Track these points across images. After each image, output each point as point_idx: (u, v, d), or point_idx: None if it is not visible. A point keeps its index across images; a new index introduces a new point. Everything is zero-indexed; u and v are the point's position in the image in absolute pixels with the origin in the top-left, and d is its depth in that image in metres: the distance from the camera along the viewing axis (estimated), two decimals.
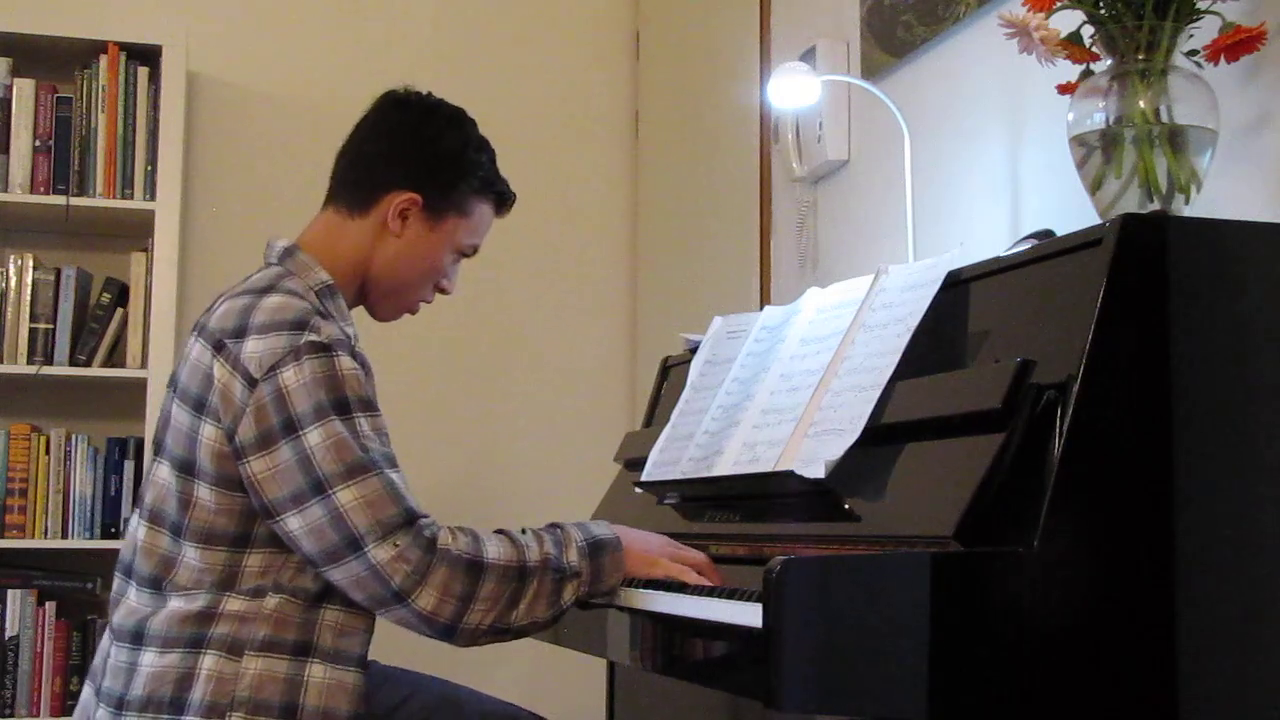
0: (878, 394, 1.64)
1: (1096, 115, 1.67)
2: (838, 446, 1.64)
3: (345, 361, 1.78)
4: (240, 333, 1.79)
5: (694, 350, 2.24)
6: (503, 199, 2.09)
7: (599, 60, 3.91)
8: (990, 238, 2.20)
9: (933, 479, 1.52)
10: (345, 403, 1.76)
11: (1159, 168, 1.62)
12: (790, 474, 1.69)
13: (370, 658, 1.87)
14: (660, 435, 2.13)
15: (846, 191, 2.76)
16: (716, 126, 3.39)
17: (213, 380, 1.78)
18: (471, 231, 2.05)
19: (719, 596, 1.56)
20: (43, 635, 3.22)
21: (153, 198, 3.31)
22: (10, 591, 3.21)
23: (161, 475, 1.85)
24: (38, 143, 3.31)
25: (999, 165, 2.26)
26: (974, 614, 1.35)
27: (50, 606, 3.23)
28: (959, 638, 1.34)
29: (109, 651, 1.85)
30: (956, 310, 1.67)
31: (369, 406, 1.79)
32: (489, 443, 3.74)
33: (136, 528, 1.87)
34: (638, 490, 2.15)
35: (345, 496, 1.72)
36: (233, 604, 1.77)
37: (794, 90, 2.40)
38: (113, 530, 3.25)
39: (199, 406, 1.80)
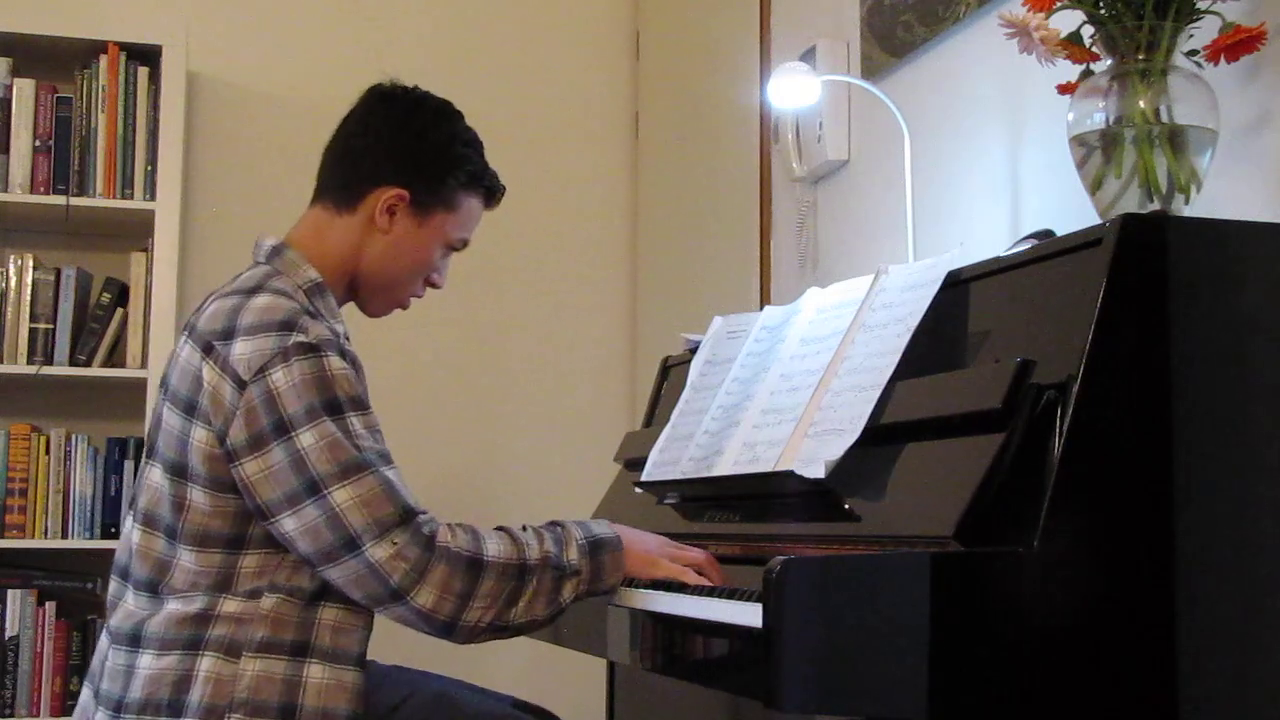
0: (878, 394, 1.64)
1: (1096, 115, 1.67)
2: (838, 446, 1.64)
3: (335, 361, 1.77)
4: (228, 334, 1.79)
5: (694, 350, 2.24)
6: (492, 192, 2.06)
7: (599, 60, 3.91)
8: (990, 238, 2.20)
9: (933, 479, 1.52)
10: (337, 403, 1.75)
11: (1159, 168, 1.62)
12: (790, 474, 1.69)
13: (369, 657, 1.87)
14: (660, 435, 2.13)
15: (846, 191, 2.77)
16: (716, 126, 3.39)
17: (202, 383, 1.78)
18: (460, 226, 2.03)
19: (719, 596, 1.56)
20: (43, 635, 3.22)
21: (153, 198, 3.31)
22: (10, 591, 3.21)
23: (154, 478, 1.84)
24: (38, 143, 3.31)
25: (999, 165, 2.26)
26: (974, 614, 1.35)
27: (50, 606, 3.23)
28: (959, 638, 1.34)
29: (107, 654, 1.84)
30: (956, 310, 1.67)
31: (360, 405, 1.78)
32: (489, 443, 3.74)
33: (131, 531, 1.87)
34: (638, 490, 2.15)
35: (341, 496, 1.71)
36: (229, 605, 1.77)
37: (794, 90, 2.40)
38: (113, 530, 3.25)
39: (189, 409, 1.79)
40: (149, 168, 3.33)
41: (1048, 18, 1.70)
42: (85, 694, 1.89)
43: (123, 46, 3.35)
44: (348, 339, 1.90)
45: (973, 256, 1.71)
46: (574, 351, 3.82)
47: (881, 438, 1.62)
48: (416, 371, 3.71)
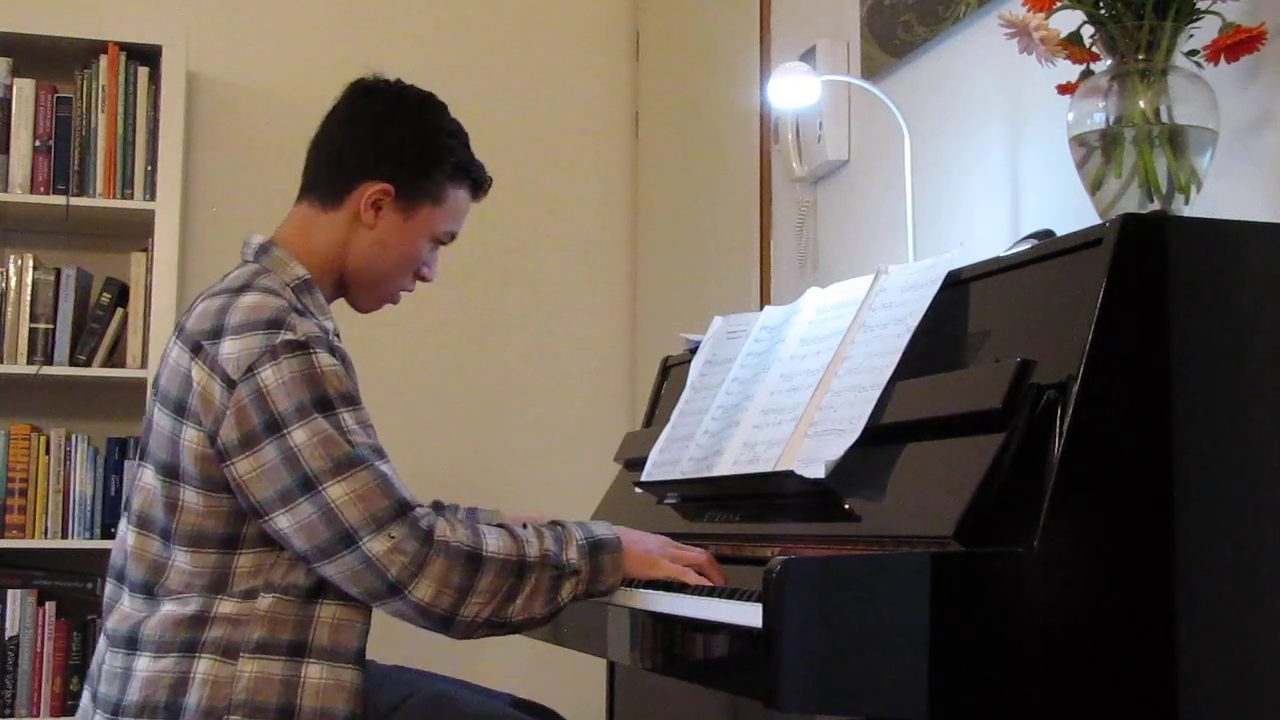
0: (878, 394, 1.64)
1: (1096, 115, 1.67)
2: (838, 446, 1.64)
3: (324, 358, 1.77)
4: (217, 334, 1.78)
5: (694, 350, 2.24)
6: (479, 184, 2.05)
7: (599, 60, 3.91)
8: (990, 238, 2.20)
9: (933, 479, 1.52)
10: (327, 399, 1.75)
11: (1159, 168, 1.62)
12: (790, 474, 1.69)
13: (369, 656, 1.87)
14: (660, 435, 2.13)
15: (846, 191, 2.77)
16: (716, 126, 3.39)
17: (192, 383, 1.78)
18: (447, 219, 2.01)
19: (719, 596, 1.56)
20: (43, 635, 3.22)
21: (153, 198, 3.31)
22: (10, 591, 3.22)
23: (146, 480, 1.84)
24: (38, 143, 3.31)
25: (999, 165, 2.26)
26: (974, 614, 1.35)
27: (50, 606, 3.23)
28: (959, 638, 1.34)
29: (104, 657, 1.84)
30: (956, 310, 1.67)
31: (351, 400, 1.78)
32: (489, 443, 3.74)
33: (125, 533, 1.86)
34: (638, 490, 2.15)
35: (335, 492, 1.71)
36: (225, 606, 1.76)
37: (794, 90, 2.40)
38: (112, 530, 3.23)
39: (180, 410, 1.79)
40: (149, 168, 3.33)
41: (1048, 18, 1.70)
42: (85, 697, 1.89)
43: (123, 46, 3.35)
44: (338, 335, 1.89)
45: (973, 256, 1.71)
46: (574, 351, 3.82)
47: (881, 438, 1.62)
48: (416, 372, 3.71)
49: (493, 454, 3.74)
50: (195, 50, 3.46)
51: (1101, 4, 1.64)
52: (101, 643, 1.87)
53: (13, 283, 3.28)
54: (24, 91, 3.31)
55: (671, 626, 1.63)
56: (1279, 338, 1.47)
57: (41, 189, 3.29)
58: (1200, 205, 1.65)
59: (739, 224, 3.19)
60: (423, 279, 2.05)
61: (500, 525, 1.80)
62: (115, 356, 3.34)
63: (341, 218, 1.96)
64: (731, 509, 1.90)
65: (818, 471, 1.64)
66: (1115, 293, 1.41)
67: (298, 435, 1.72)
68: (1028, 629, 1.35)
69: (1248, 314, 1.46)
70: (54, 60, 3.38)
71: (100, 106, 3.32)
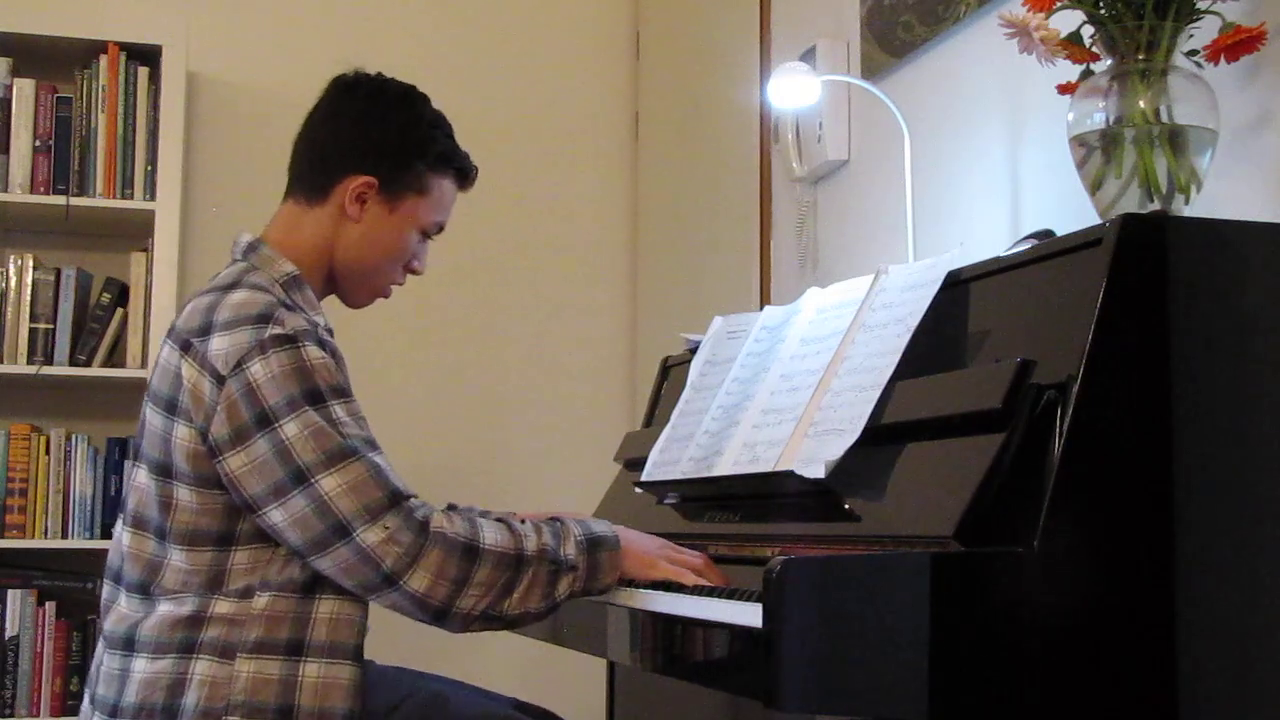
0: (878, 394, 1.64)
1: (1096, 115, 1.67)
2: (838, 446, 1.64)
3: (313, 351, 1.77)
4: (205, 330, 1.79)
5: (694, 350, 2.24)
6: (464, 173, 2.04)
7: (599, 60, 3.91)
8: (990, 238, 2.20)
9: (933, 479, 1.52)
10: (318, 392, 1.75)
11: (1159, 168, 1.62)
12: (790, 474, 1.69)
13: (368, 657, 1.87)
14: (660, 435, 2.13)
15: (846, 191, 2.77)
16: (716, 126, 3.39)
17: (182, 380, 1.78)
18: (433, 209, 2.01)
19: (719, 596, 1.56)
20: (43, 635, 3.22)
21: (153, 198, 3.31)
22: (10, 591, 3.22)
23: (140, 480, 1.84)
24: (38, 143, 3.31)
25: (999, 165, 2.25)
26: (974, 614, 1.35)
27: (50, 606, 3.23)
28: (959, 638, 1.34)
29: (102, 659, 1.84)
30: (956, 310, 1.67)
31: (342, 393, 1.78)
32: (489, 443, 3.74)
33: (121, 534, 1.86)
34: (638, 490, 2.15)
35: (328, 484, 1.71)
36: (222, 606, 1.76)
37: (794, 90, 2.40)
38: (112, 530, 3.25)
39: (170, 408, 1.79)
40: (149, 168, 3.33)
41: (1048, 18, 1.70)
42: (86, 699, 1.89)
43: (123, 46, 3.35)
44: (329, 331, 1.88)
45: (973, 256, 1.71)
46: (574, 351, 3.82)
47: (881, 438, 1.62)
48: (416, 372, 3.71)
49: (493, 454, 3.73)
50: (195, 50, 3.46)
51: (1101, 4, 1.64)
52: (100, 645, 1.87)
53: (13, 283, 3.28)
54: (24, 91, 3.31)
55: (671, 626, 1.63)
56: (1279, 338, 1.47)
57: (41, 189, 3.29)
58: (1200, 205, 1.65)
59: (739, 224, 3.19)
60: (413, 272, 2.05)
61: (498, 519, 1.79)
62: (115, 356, 3.34)
63: (327, 213, 1.96)
64: (731, 509, 1.90)
65: (818, 471, 1.64)
66: (1115, 293, 1.41)
67: (289, 428, 1.72)
68: (1028, 629, 1.35)
69: (1248, 314, 1.46)
70: (54, 60, 3.38)
71: (100, 106, 3.32)
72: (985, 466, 1.42)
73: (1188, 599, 1.39)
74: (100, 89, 3.33)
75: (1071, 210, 1.91)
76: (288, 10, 3.71)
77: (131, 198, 3.32)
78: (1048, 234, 1.87)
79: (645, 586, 1.75)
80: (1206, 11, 1.63)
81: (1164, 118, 1.63)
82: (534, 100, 3.84)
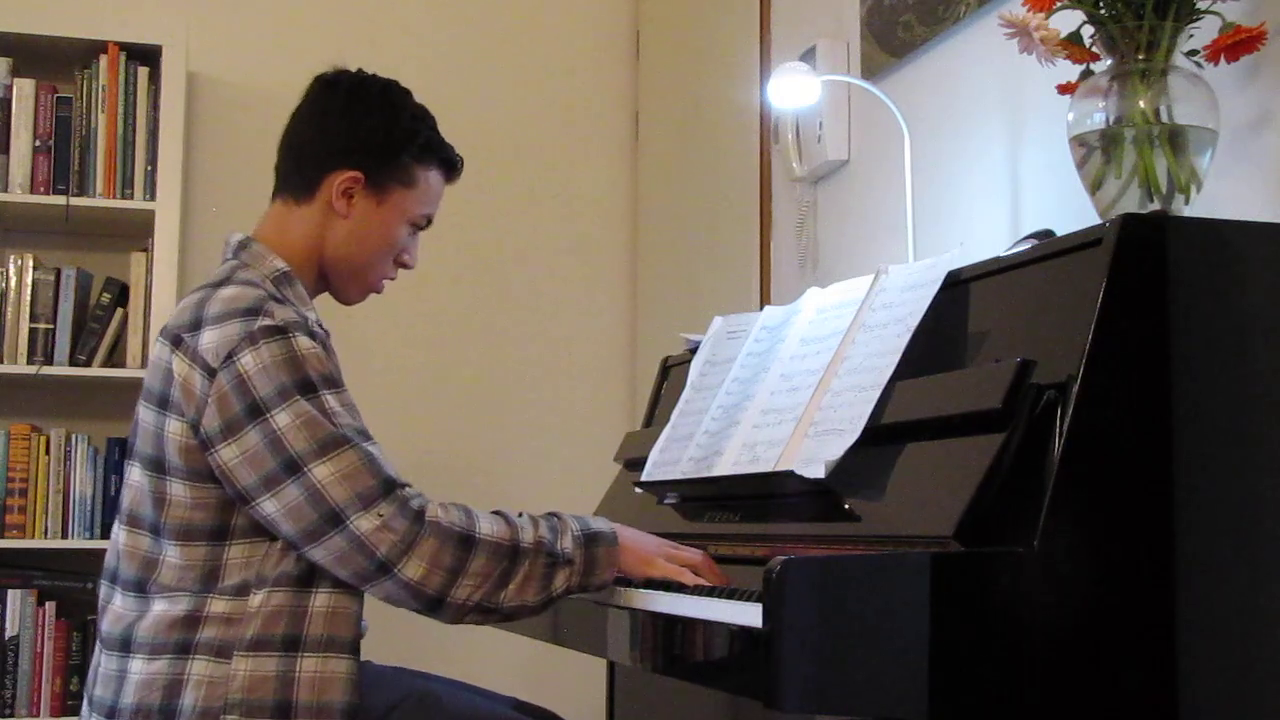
0: (878, 394, 1.64)
1: (1096, 115, 1.67)
2: (838, 446, 1.64)
3: (303, 341, 1.77)
4: (196, 325, 1.79)
5: (694, 350, 2.24)
6: (450, 164, 2.04)
7: (599, 60, 3.91)
8: (990, 238, 2.20)
9: (933, 479, 1.52)
10: (309, 382, 1.75)
11: (1159, 168, 1.62)
12: (790, 474, 1.69)
13: (366, 657, 1.87)
14: (660, 435, 2.13)
15: (846, 191, 2.77)
16: (716, 126, 3.39)
17: (173, 375, 1.78)
18: (421, 201, 2.01)
19: (719, 596, 1.56)
20: (43, 635, 3.22)
21: (153, 198, 3.31)
22: (10, 591, 3.22)
23: (134, 477, 1.85)
24: (38, 143, 3.31)
25: (999, 165, 2.25)
26: (974, 614, 1.35)
27: (50, 606, 3.23)
28: (959, 638, 1.34)
29: (100, 660, 1.84)
30: (956, 310, 1.67)
31: (333, 383, 1.78)
32: (489, 443, 3.74)
33: (117, 533, 1.87)
34: (638, 490, 2.15)
35: (321, 472, 1.71)
36: (218, 605, 1.76)
37: (794, 90, 2.40)
38: (112, 531, 3.25)
39: (162, 403, 1.80)
40: (149, 168, 3.33)
41: (1048, 18, 1.70)
42: (85, 702, 1.89)
43: (123, 46, 3.35)
44: (320, 326, 1.88)
45: (973, 256, 1.71)
46: (574, 351, 3.82)
47: (881, 438, 1.62)
48: (416, 371, 3.71)
49: (493, 454, 3.73)
50: (195, 50, 3.46)
51: (1101, 4, 1.64)
52: (97, 647, 1.87)
53: (13, 283, 3.28)
54: (24, 91, 3.31)
55: (671, 626, 1.63)
56: (1279, 338, 1.47)
57: (41, 189, 3.29)
58: (1200, 205, 1.65)
59: (739, 224, 3.19)
60: (404, 265, 2.05)
61: (495, 511, 1.79)
62: (115, 356, 3.34)
63: (315, 210, 1.97)
64: (731, 509, 1.90)
65: (818, 471, 1.64)
66: (1115, 293, 1.41)
67: (280, 418, 1.72)
68: (1028, 629, 1.35)
69: (1248, 314, 1.46)
70: (54, 60, 3.38)
71: (100, 106, 3.33)
72: (985, 466, 1.42)
73: (1188, 599, 1.39)
74: (100, 89, 3.33)
75: (1071, 210, 1.91)
76: (288, 10, 3.71)
77: (131, 198, 3.32)
78: (1048, 234, 1.87)
79: (643, 585, 1.75)
80: (1206, 11, 1.63)
81: (1164, 118, 1.63)
82: (534, 100, 3.84)
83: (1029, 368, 1.45)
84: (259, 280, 1.86)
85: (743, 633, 1.43)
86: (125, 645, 1.79)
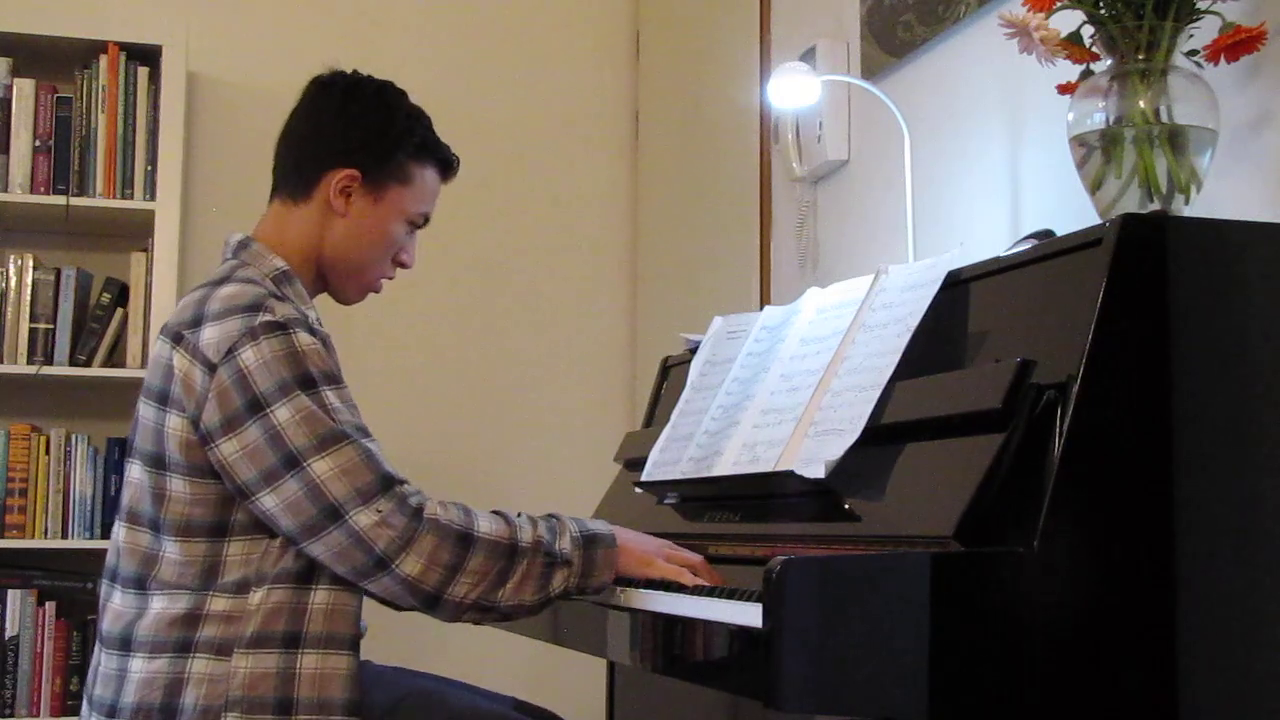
0: (878, 394, 1.64)
1: (1096, 115, 1.67)
2: (838, 446, 1.64)
3: (304, 337, 1.78)
4: (197, 322, 1.80)
5: (694, 350, 2.24)
6: (446, 163, 2.06)
7: (599, 60, 3.91)
8: (990, 238, 2.20)
9: (933, 479, 1.52)
10: (309, 377, 1.76)
11: (1159, 168, 1.62)
12: (790, 474, 1.69)
13: (366, 658, 1.87)
14: (660, 435, 2.13)
15: (846, 191, 2.77)
16: (716, 126, 3.39)
17: (173, 371, 1.79)
18: (417, 199, 2.02)
19: (719, 596, 1.56)
20: (43, 635, 3.22)
21: (153, 198, 3.31)
22: (10, 591, 3.22)
23: (134, 474, 1.85)
24: (38, 143, 3.31)
25: (999, 165, 2.25)
26: (974, 614, 1.35)
27: (50, 606, 3.23)
28: (959, 638, 1.34)
29: (99, 660, 1.84)
30: (956, 310, 1.67)
31: (334, 379, 1.78)
32: (489, 443, 3.74)
33: (118, 531, 1.87)
34: (638, 490, 2.15)
35: (320, 467, 1.71)
36: (217, 603, 1.76)
37: (794, 90, 2.40)
38: (112, 531, 3.25)
39: (162, 399, 1.80)
40: (149, 168, 3.33)
41: (1048, 18, 1.70)
42: (85, 702, 1.89)
43: (123, 46, 3.35)
44: (320, 324, 1.89)
45: (973, 256, 1.71)
46: (574, 351, 3.82)
47: (881, 438, 1.62)
48: (416, 371, 3.71)
49: (492, 454, 3.73)
50: (195, 50, 3.46)
51: (1101, 4, 1.64)
52: (97, 646, 1.87)
53: (13, 283, 3.28)
54: (24, 91, 3.31)
55: (671, 626, 1.63)
56: (1279, 337, 1.47)
57: (41, 189, 3.29)
58: (1200, 205, 1.65)
59: (739, 224, 3.19)
60: (401, 264, 2.06)
61: (494, 511, 1.80)
62: (115, 356, 3.34)
63: (313, 209, 1.98)
64: (731, 509, 1.90)
65: (818, 471, 1.64)
66: (1115, 293, 1.41)
67: (280, 413, 1.73)
68: (1028, 629, 1.35)
69: (1248, 314, 1.46)
70: (54, 60, 3.38)
71: (100, 106, 3.33)
72: (985, 466, 1.42)
73: (1188, 599, 1.39)
74: (100, 89, 3.33)
75: (1071, 210, 1.91)
76: (288, 10, 3.71)
77: (131, 198, 3.32)
78: (1048, 234, 1.87)
79: (643, 585, 1.75)
80: (1206, 11, 1.63)
81: (1164, 118, 1.63)
82: (534, 100, 3.84)
83: (1029, 368, 1.45)
84: (259, 279, 1.87)
85: (742, 633, 1.43)
86: (125, 644, 1.79)
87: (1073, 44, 1.73)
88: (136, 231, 3.37)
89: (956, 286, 1.69)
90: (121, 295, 3.35)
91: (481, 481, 3.65)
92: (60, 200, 3.28)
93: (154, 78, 3.36)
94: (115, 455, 3.30)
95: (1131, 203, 1.63)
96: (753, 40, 3.15)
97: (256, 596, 1.76)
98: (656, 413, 2.48)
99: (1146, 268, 1.43)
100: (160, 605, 1.78)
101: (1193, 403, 1.42)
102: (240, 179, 3.54)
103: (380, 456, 1.75)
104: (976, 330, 1.64)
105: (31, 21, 3.33)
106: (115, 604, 1.84)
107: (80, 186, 3.30)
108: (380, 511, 1.71)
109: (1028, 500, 1.38)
